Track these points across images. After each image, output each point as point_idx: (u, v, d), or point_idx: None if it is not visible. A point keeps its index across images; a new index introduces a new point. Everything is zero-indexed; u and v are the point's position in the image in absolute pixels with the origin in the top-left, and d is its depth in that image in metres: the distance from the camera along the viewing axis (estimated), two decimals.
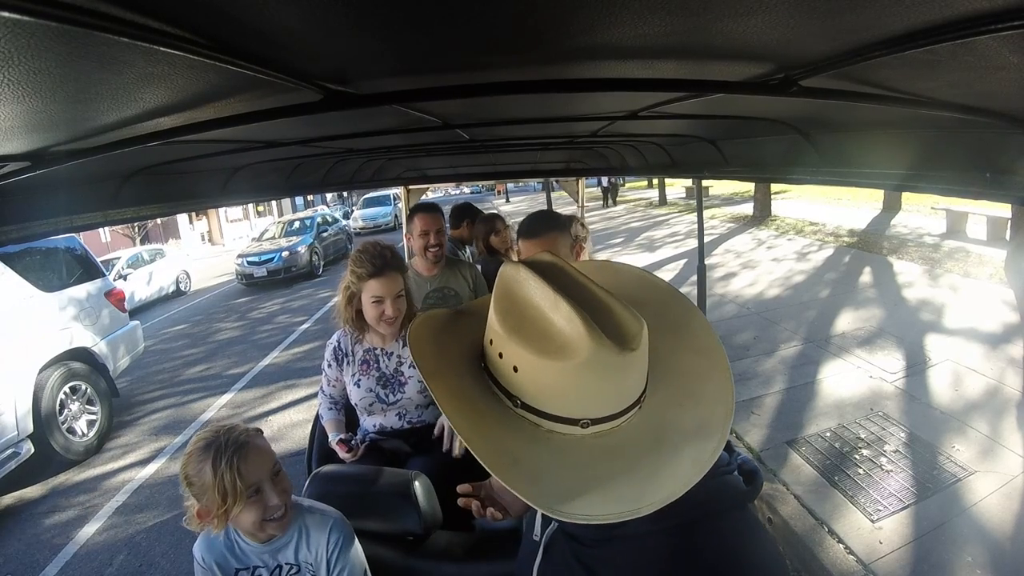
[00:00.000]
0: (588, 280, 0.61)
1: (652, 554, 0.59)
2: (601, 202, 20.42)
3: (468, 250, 3.65)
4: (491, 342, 0.61)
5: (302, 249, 12.10)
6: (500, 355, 0.59)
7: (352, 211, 21.43)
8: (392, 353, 1.84)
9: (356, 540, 1.20)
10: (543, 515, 0.76)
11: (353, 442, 1.74)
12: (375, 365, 1.83)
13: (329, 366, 1.87)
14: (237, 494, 1.00)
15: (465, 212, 3.67)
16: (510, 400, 0.59)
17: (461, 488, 1.02)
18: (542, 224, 1.54)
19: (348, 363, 1.84)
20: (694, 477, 0.55)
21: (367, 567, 1.20)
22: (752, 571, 0.58)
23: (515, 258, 2.46)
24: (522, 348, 0.56)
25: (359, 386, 1.82)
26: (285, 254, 11.75)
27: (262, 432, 1.13)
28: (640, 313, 0.60)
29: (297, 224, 13.58)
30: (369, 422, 1.86)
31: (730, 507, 0.62)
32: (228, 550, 1.14)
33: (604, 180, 19.61)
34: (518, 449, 0.56)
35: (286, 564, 1.13)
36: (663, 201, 18.27)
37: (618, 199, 21.23)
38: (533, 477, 0.54)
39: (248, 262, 11.73)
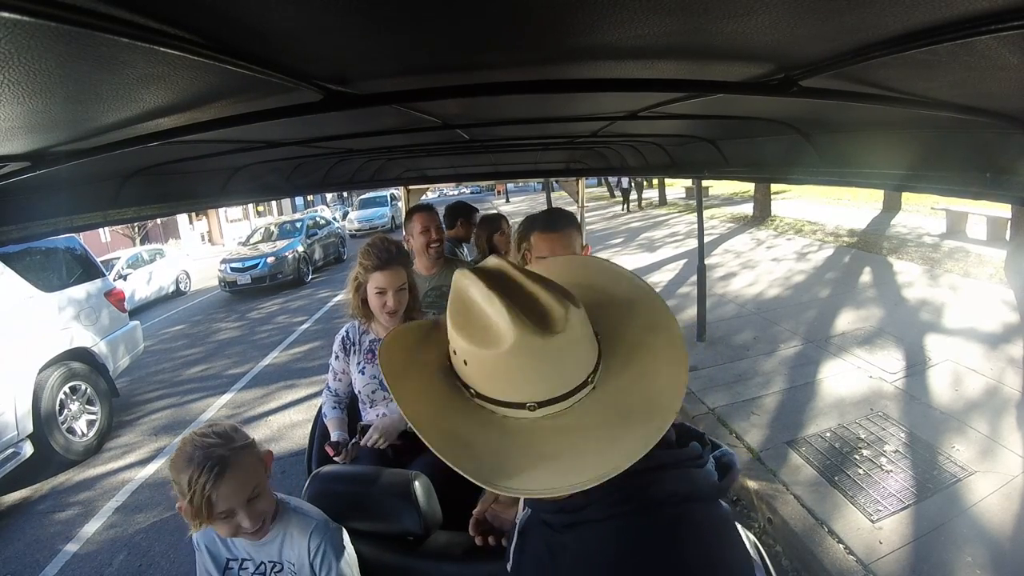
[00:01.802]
0: (525, 278, 0.67)
1: (605, 539, 0.62)
2: (620, 206, 17.88)
3: (465, 249, 3.64)
4: (449, 343, 0.68)
5: (289, 254, 11.41)
6: (454, 352, 0.66)
7: (349, 211, 21.33)
8: None
9: (343, 542, 1.19)
10: (523, 503, 0.81)
11: (345, 446, 1.75)
12: None
13: (336, 358, 1.93)
14: (208, 515, 1.01)
15: (459, 212, 3.66)
16: (468, 391, 0.66)
17: (473, 526, 1.10)
18: (562, 220, 1.55)
19: (355, 352, 1.91)
20: (639, 452, 0.58)
21: (355, 569, 1.20)
22: (703, 563, 0.60)
23: (514, 256, 2.47)
24: (466, 342, 0.63)
25: (363, 373, 1.86)
26: (270, 260, 11.01)
27: (251, 446, 1.11)
28: (596, 299, 0.67)
29: (287, 227, 12.92)
30: (372, 414, 1.87)
31: (695, 499, 0.64)
32: (220, 540, 1.16)
33: (624, 180, 16.92)
34: (471, 434, 0.63)
35: (270, 561, 1.15)
36: (663, 201, 18.23)
37: (642, 202, 18.13)
38: (477, 456, 0.60)
39: (231, 268, 11.01)
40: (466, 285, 0.67)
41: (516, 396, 0.62)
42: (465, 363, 0.64)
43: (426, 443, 0.61)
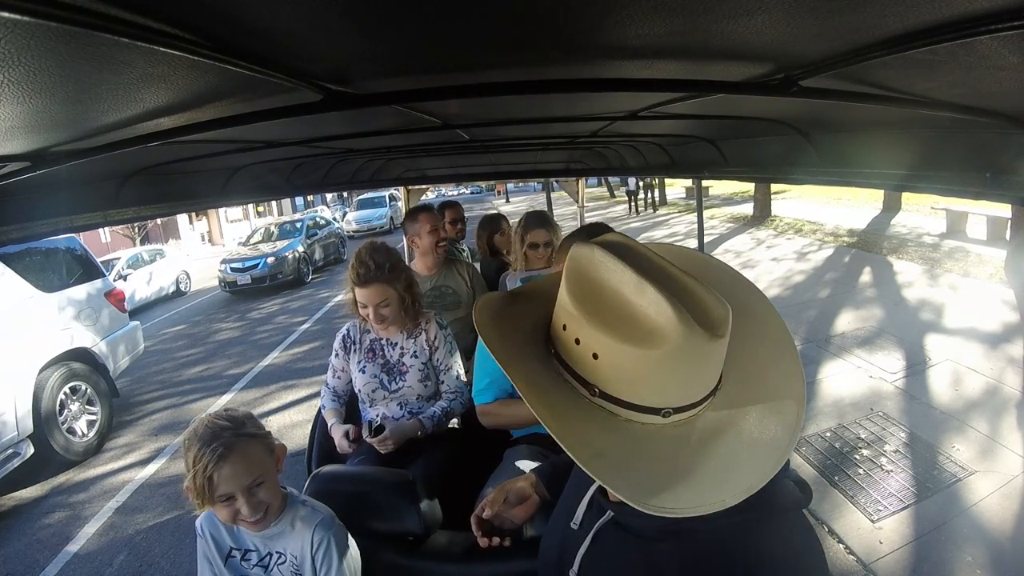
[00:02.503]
0: (665, 261, 0.58)
1: (716, 548, 0.57)
2: (628, 208, 16.54)
3: (466, 248, 3.64)
4: (564, 327, 0.58)
5: (289, 254, 11.43)
6: (577, 341, 0.56)
7: (348, 212, 21.21)
8: (396, 344, 1.89)
9: (347, 542, 1.19)
10: (589, 503, 0.74)
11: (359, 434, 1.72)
12: (380, 353, 1.89)
13: (336, 355, 1.93)
14: (207, 496, 1.02)
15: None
16: (586, 388, 0.57)
17: (477, 525, 1.03)
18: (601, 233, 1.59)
19: (355, 351, 1.90)
20: (774, 467, 0.53)
21: (357, 571, 1.20)
22: (815, 568, 0.58)
23: (513, 258, 2.51)
24: (603, 334, 0.54)
25: (364, 372, 1.86)
26: (271, 260, 11.01)
27: (263, 436, 1.11)
28: None
29: (287, 227, 12.97)
30: (371, 413, 1.87)
31: (785, 510, 0.62)
32: (225, 528, 1.16)
33: (631, 181, 15.76)
34: (597, 439, 0.54)
35: (275, 553, 1.15)
36: (663, 201, 18.19)
37: (654, 203, 16.80)
38: (619, 469, 0.52)
39: (232, 268, 11.04)
40: (597, 262, 0.56)
41: (654, 400, 0.54)
42: (595, 356, 0.55)
43: (568, 452, 0.52)
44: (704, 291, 0.56)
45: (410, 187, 3.62)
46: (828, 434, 3.46)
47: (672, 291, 0.53)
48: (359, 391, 1.88)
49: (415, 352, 1.87)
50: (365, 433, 1.71)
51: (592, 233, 1.53)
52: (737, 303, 0.61)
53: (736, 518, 0.56)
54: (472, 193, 36.09)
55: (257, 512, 1.07)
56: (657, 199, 17.59)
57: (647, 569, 0.62)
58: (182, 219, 22.19)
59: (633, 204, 16.65)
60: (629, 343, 0.52)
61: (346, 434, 1.72)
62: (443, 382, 1.89)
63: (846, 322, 5.42)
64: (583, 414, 0.56)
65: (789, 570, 0.57)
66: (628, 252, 0.57)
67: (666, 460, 0.54)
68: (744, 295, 0.68)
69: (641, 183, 16.13)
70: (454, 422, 1.94)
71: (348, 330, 1.94)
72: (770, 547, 0.58)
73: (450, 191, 27.50)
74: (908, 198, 11.25)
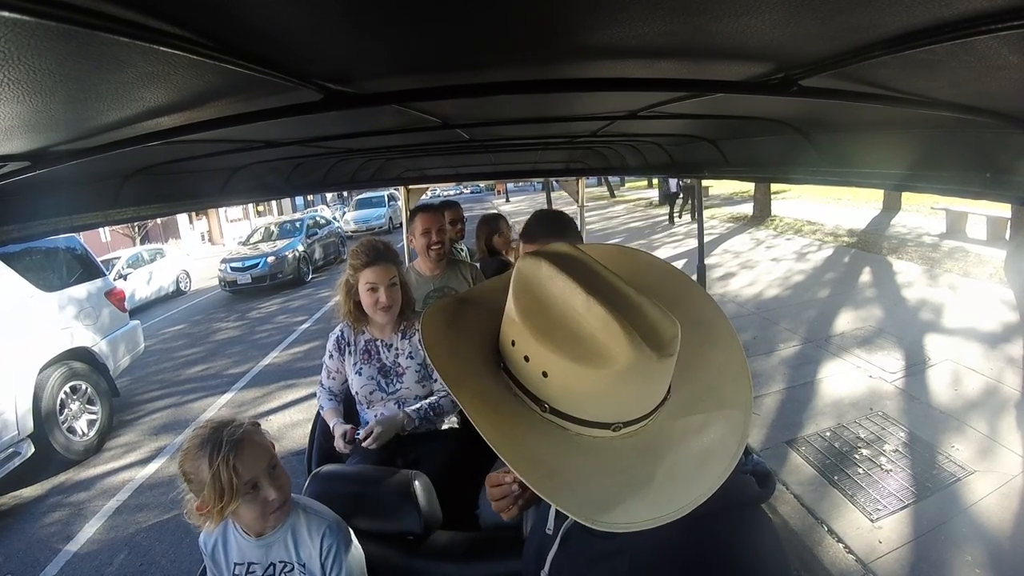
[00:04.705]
0: (614, 276, 0.57)
1: (668, 545, 0.58)
2: (666, 219, 13.24)
3: (465, 249, 3.64)
4: (513, 343, 0.57)
5: (289, 254, 11.42)
6: (526, 358, 0.56)
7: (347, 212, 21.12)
8: (391, 345, 1.88)
9: (354, 544, 1.19)
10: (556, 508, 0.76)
11: (356, 436, 1.71)
12: (376, 355, 1.88)
13: (331, 357, 1.91)
14: (234, 490, 1.01)
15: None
16: (537, 405, 0.57)
17: (494, 481, 0.96)
18: (562, 226, 1.49)
19: (350, 352, 1.89)
20: (722, 475, 0.54)
21: (364, 571, 1.20)
22: (762, 565, 0.58)
23: (514, 258, 2.48)
24: (553, 353, 0.53)
25: (361, 374, 1.85)
26: (271, 259, 11.01)
27: (259, 425, 1.13)
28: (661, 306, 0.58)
29: (287, 226, 12.97)
30: (370, 414, 1.87)
31: (741, 505, 0.62)
32: (225, 544, 1.16)
33: (672, 184, 12.63)
34: (550, 457, 0.54)
35: (279, 562, 1.14)
36: (663, 201, 18.16)
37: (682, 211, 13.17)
38: (570, 487, 0.52)
39: (232, 268, 11.05)
40: (544, 276, 0.56)
41: (604, 416, 0.55)
42: (545, 375, 0.55)
43: (515, 472, 0.52)
44: (653, 308, 0.55)
45: (410, 187, 3.62)
46: (828, 434, 3.47)
47: (621, 309, 0.53)
48: (356, 393, 1.87)
49: (410, 353, 1.86)
50: (350, 439, 1.69)
51: (551, 222, 1.49)
52: (689, 310, 0.61)
53: (688, 514, 0.57)
54: (472, 193, 36.10)
55: (282, 496, 1.09)
56: (677, 206, 13.61)
57: (605, 566, 0.63)
58: (182, 219, 22.17)
59: (681, 209, 13.36)
60: (579, 362, 0.52)
61: (344, 435, 1.72)
62: (435, 379, 1.88)
63: (846, 322, 5.42)
64: (536, 431, 0.56)
65: (743, 565, 0.57)
66: (576, 265, 0.56)
67: (618, 472, 0.54)
68: (695, 301, 0.69)
69: (681, 185, 12.62)
70: (453, 421, 1.93)
71: (342, 331, 1.92)
72: (723, 542, 0.58)
73: (449, 191, 27.45)
74: (908, 198, 11.24)
